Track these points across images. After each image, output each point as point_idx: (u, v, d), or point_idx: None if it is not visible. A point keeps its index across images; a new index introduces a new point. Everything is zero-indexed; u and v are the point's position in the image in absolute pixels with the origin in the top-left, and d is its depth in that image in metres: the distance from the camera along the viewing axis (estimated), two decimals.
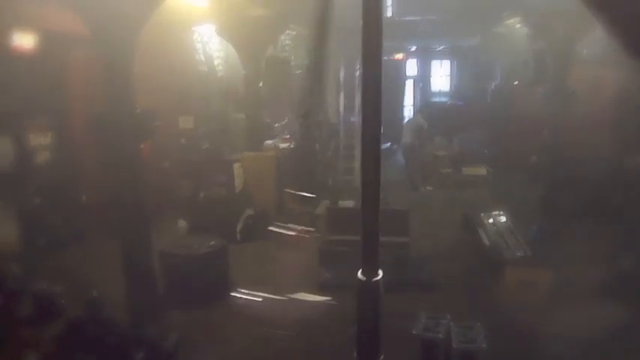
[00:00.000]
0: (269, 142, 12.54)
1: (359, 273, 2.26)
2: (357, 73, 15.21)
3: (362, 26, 2.07)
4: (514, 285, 7.77)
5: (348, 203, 12.02)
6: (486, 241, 9.12)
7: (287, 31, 14.62)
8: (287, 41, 15.23)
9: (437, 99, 21.40)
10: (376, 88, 2.18)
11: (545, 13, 10.50)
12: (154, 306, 6.88)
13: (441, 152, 16.31)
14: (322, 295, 7.93)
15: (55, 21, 8.12)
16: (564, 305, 7.18)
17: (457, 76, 21.36)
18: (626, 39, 2.01)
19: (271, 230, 8.42)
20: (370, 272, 2.27)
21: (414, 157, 15.43)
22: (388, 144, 16.88)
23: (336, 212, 9.59)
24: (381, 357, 2.33)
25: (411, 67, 21.58)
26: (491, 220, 9.43)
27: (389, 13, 17.75)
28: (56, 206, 9.05)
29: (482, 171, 15.07)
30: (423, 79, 21.69)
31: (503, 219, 9.49)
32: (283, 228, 7.65)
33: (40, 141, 9.16)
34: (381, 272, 2.28)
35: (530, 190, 11.42)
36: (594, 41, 11.50)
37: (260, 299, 7.03)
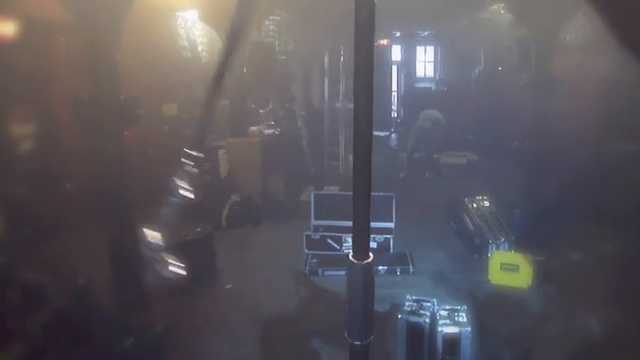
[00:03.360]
0: (254, 128, 12.51)
1: (349, 255, 2.31)
2: (342, 59, 15.19)
3: (354, 12, 2.08)
4: (497, 269, 7.89)
5: (333, 188, 12.08)
6: (470, 226, 9.22)
7: (271, 17, 14.54)
8: (271, 26, 15.14)
9: (421, 84, 21.47)
10: (368, 75, 2.20)
11: None
12: (140, 293, 6.88)
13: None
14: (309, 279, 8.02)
15: (37, 6, 8.00)
16: (547, 290, 7.32)
17: (441, 61, 21.41)
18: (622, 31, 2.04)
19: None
20: (361, 254, 2.32)
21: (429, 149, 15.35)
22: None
23: (321, 197, 9.63)
24: (371, 337, 2.40)
25: (396, 53, 21.60)
26: (475, 205, 9.53)
27: None
28: (40, 195, 8.98)
29: (465, 156, 15.15)
30: (407, 65, 21.73)
31: (486, 203, 9.59)
32: None
33: (23, 129, 9.05)
34: (371, 255, 2.33)
35: (513, 175, 11.54)
36: (578, 28, 11.60)
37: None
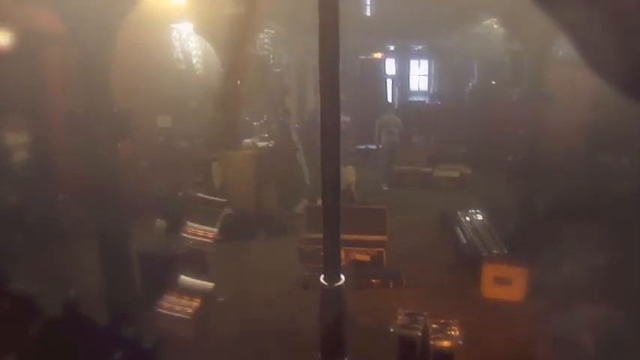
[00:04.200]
0: (247, 140, 12.51)
1: (321, 278, 2.29)
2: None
3: (319, 23, 2.09)
4: (490, 282, 7.88)
5: None
6: (463, 239, 9.22)
7: (265, 30, 14.59)
8: (265, 39, 15.19)
9: (415, 98, 21.56)
10: (334, 87, 2.19)
11: (521, 14, 10.63)
12: (132, 305, 6.84)
13: (419, 151, 16.42)
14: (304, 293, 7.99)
15: (31, 18, 8.02)
16: (540, 302, 7.30)
17: (435, 75, 21.54)
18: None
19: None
20: (332, 277, 2.29)
21: (390, 155, 15.47)
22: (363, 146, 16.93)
23: (315, 211, 9.60)
24: (345, 359, 2.36)
25: (390, 66, 21.70)
26: (468, 218, 9.54)
27: (367, 12, 17.84)
28: (33, 205, 8.95)
29: (459, 170, 15.18)
30: (401, 79, 21.83)
31: (480, 217, 9.60)
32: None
33: (17, 139, 9.04)
34: (343, 277, 2.30)
35: (506, 189, 11.56)
36: (570, 42, 11.67)
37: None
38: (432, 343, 5.18)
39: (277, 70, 15.31)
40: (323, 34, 2.09)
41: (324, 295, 2.30)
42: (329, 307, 2.33)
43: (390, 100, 21.38)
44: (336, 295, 2.30)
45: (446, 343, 5.16)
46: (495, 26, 14.68)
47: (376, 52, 20.47)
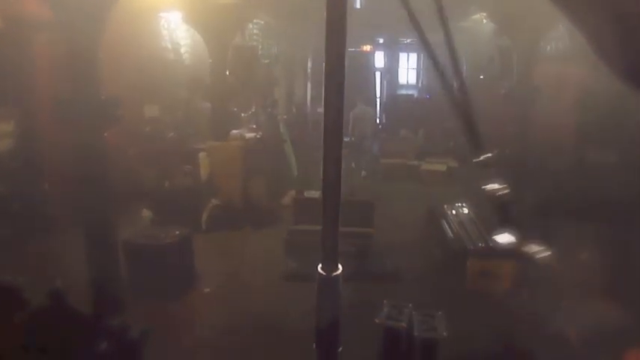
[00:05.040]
0: (235, 131, 12.46)
1: (319, 267, 2.30)
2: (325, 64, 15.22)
3: (326, 18, 2.09)
4: (476, 275, 7.94)
5: (314, 193, 12.07)
6: (450, 233, 9.27)
7: (255, 20, 14.54)
8: (254, 30, 15.14)
9: (404, 91, 21.59)
10: (339, 80, 2.20)
11: (510, 9, 10.68)
12: (118, 296, 6.82)
13: (407, 144, 16.48)
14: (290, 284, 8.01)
15: (17, 4, 7.92)
16: (525, 295, 7.38)
17: (424, 69, 21.56)
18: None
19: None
20: (330, 267, 2.31)
21: (363, 148, 15.52)
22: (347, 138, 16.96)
23: (302, 202, 9.62)
24: (340, 349, 2.38)
25: (379, 60, 21.69)
26: (454, 212, 9.59)
27: (357, 4, 17.80)
28: (19, 194, 8.87)
29: (446, 163, 15.25)
30: (389, 72, 21.83)
31: (465, 210, 9.66)
32: None
33: (2, 128, 8.95)
34: (340, 267, 2.32)
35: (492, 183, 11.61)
36: (558, 38, 11.76)
37: None
38: (416, 334, 5.22)
39: (266, 62, 15.27)
40: (330, 28, 2.09)
41: (321, 284, 2.32)
42: (326, 296, 2.35)
43: (378, 93, 21.41)
44: (333, 285, 2.32)
45: (430, 335, 5.19)
46: (484, 21, 14.73)
47: (365, 44, 20.46)
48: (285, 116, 15.11)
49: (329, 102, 2.19)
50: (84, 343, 4.73)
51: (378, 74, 21.66)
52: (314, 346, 2.35)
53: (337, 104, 2.22)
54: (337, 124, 2.22)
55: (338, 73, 2.19)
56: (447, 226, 9.39)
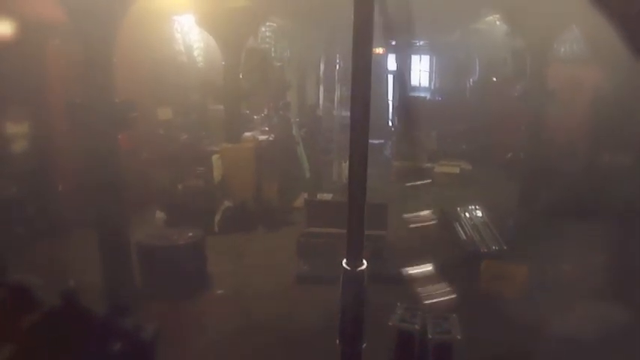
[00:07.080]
0: (248, 134, 12.49)
1: (344, 262, 2.31)
2: (337, 67, 15.22)
3: (353, 21, 2.10)
4: (489, 279, 7.89)
5: (327, 196, 12.07)
6: (462, 235, 9.22)
7: (268, 23, 14.57)
8: (267, 33, 15.17)
9: (416, 94, 21.52)
10: (366, 83, 2.21)
11: (523, 11, 10.62)
12: (131, 297, 6.85)
13: (420, 147, 16.39)
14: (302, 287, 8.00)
15: (34, 8, 8.00)
16: (539, 299, 7.32)
17: (436, 71, 21.49)
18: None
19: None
20: (355, 262, 2.32)
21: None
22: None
23: (315, 204, 9.62)
24: (364, 345, 2.38)
25: (391, 62, 21.63)
26: (467, 215, 9.54)
27: None
28: (33, 196, 8.95)
29: (459, 166, 15.17)
30: (402, 74, 21.75)
31: (479, 213, 9.60)
32: None
33: (17, 129, 9.04)
34: (365, 262, 2.33)
35: (506, 186, 11.56)
36: (572, 40, 11.67)
37: None
38: (430, 337, 5.19)
39: (278, 64, 15.28)
40: (357, 29, 2.10)
41: (346, 278, 2.32)
42: (350, 290, 2.36)
43: (390, 95, 21.36)
44: (358, 280, 2.33)
45: (444, 337, 5.16)
46: (497, 23, 14.65)
47: (378, 47, 20.42)
48: (297, 119, 15.10)
49: (356, 103, 2.20)
50: (96, 344, 4.76)
51: (390, 77, 21.59)
52: (337, 341, 2.35)
53: (364, 106, 2.23)
54: (364, 125, 2.24)
55: (365, 75, 2.20)
56: (460, 229, 9.34)
